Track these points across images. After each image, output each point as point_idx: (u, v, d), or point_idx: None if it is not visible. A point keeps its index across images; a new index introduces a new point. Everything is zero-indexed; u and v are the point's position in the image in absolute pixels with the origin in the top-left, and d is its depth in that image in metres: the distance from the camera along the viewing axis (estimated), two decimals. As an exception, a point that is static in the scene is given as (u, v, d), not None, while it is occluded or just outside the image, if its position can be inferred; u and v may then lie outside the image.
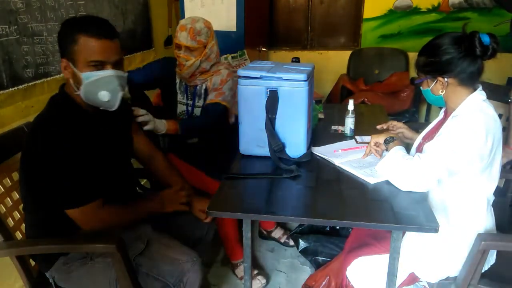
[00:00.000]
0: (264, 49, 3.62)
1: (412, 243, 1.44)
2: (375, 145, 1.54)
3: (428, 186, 1.34)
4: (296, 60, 2.79)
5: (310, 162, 1.60)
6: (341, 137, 1.91)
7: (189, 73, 2.02)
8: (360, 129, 1.94)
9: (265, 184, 1.44)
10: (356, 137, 1.87)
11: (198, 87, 2.10)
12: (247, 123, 1.59)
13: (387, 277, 1.28)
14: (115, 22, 2.63)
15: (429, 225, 1.17)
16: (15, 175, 1.47)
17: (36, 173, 1.29)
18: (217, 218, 1.90)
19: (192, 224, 1.62)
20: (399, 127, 1.76)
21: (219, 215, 1.33)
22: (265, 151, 1.58)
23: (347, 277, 1.56)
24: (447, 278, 1.44)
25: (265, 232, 2.45)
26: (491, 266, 1.43)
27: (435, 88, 1.40)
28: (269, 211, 1.29)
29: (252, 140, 1.60)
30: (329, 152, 1.67)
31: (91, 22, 1.28)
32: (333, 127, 2.04)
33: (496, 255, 1.44)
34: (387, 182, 1.39)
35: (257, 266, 2.20)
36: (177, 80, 2.13)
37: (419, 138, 1.58)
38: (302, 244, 2.25)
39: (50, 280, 1.42)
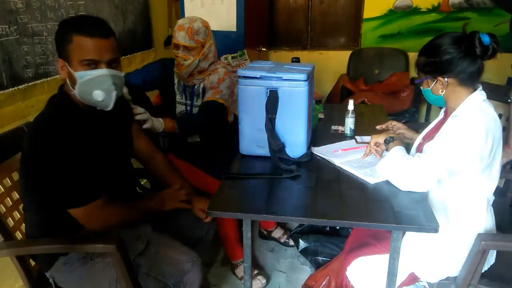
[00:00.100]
0: (264, 49, 3.62)
1: (412, 243, 1.44)
2: (375, 145, 1.54)
3: (428, 186, 1.34)
4: (296, 60, 2.79)
5: (310, 162, 1.60)
6: (341, 137, 1.91)
7: (188, 73, 2.02)
8: (360, 129, 1.94)
9: (265, 184, 1.44)
10: (356, 137, 1.87)
11: (196, 87, 2.10)
12: (247, 123, 1.59)
13: (387, 277, 1.28)
14: (115, 22, 2.63)
15: (429, 225, 1.17)
16: (15, 175, 1.47)
17: (37, 174, 1.29)
18: (217, 218, 1.90)
19: (192, 224, 1.62)
20: (398, 128, 1.76)
21: (219, 215, 1.33)
22: (265, 151, 1.58)
23: (347, 277, 1.56)
24: (447, 278, 1.44)
25: (265, 232, 2.45)
26: (491, 266, 1.43)
27: (435, 88, 1.40)
28: (269, 211, 1.29)
29: (252, 140, 1.60)
30: (329, 152, 1.67)
31: (85, 21, 1.28)
32: (333, 127, 2.04)
33: (496, 255, 1.44)
34: (387, 182, 1.39)
35: (257, 266, 2.20)
36: (175, 81, 2.13)
37: (419, 138, 1.58)
38: (302, 244, 2.25)
39: (50, 280, 1.42)
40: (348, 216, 1.24)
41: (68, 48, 1.24)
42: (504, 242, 1.32)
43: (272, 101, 1.53)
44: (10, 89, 1.78)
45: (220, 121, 2.15)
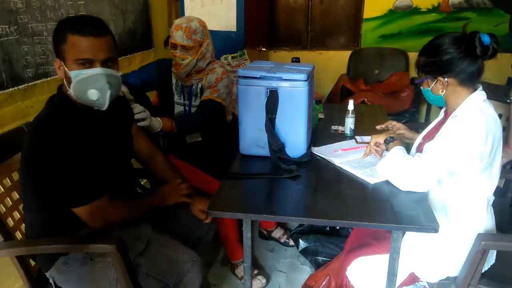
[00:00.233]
0: (264, 49, 3.62)
1: (412, 243, 1.44)
2: (375, 145, 1.54)
3: (428, 186, 1.34)
4: (296, 60, 2.79)
5: (310, 162, 1.60)
6: (341, 137, 1.91)
7: (186, 72, 2.02)
8: (360, 129, 1.94)
9: (265, 184, 1.44)
10: (356, 137, 1.87)
11: (194, 87, 2.10)
12: (247, 123, 1.59)
13: (387, 277, 1.28)
14: (115, 22, 2.63)
15: (429, 225, 1.17)
16: (15, 175, 1.47)
17: (37, 174, 1.29)
18: (217, 218, 1.90)
19: (192, 224, 1.62)
20: (398, 128, 1.76)
21: (219, 215, 1.33)
22: (265, 151, 1.58)
23: (347, 277, 1.56)
24: (447, 278, 1.44)
25: (265, 232, 2.45)
26: (491, 266, 1.43)
27: (435, 88, 1.40)
28: (269, 211, 1.29)
29: (252, 140, 1.60)
30: (329, 152, 1.67)
31: (81, 20, 1.28)
32: (333, 127, 2.04)
33: (496, 255, 1.44)
34: (387, 182, 1.39)
35: (257, 266, 2.20)
36: (173, 81, 2.13)
37: (419, 138, 1.58)
38: (302, 244, 2.25)
39: (50, 280, 1.42)
40: (348, 216, 1.24)
41: (63, 47, 1.24)
42: (504, 242, 1.32)
43: (272, 101, 1.53)
44: (10, 89, 1.79)
45: (219, 120, 2.15)
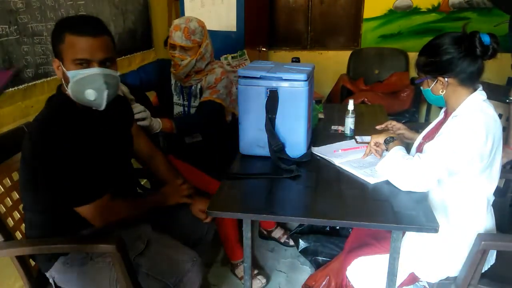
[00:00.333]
0: (264, 49, 3.62)
1: (412, 243, 1.44)
2: (375, 145, 1.54)
3: (428, 186, 1.34)
4: (296, 60, 2.78)
5: (310, 162, 1.60)
6: (341, 137, 1.91)
7: (185, 73, 2.02)
8: (360, 129, 1.94)
9: (265, 184, 1.44)
10: (356, 137, 1.87)
11: (193, 87, 2.10)
12: (247, 123, 1.59)
13: (387, 277, 1.28)
14: (115, 22, 2.63)
15: (429, 225, 1.17)
16: (15, 175, 1.47)
17: (38, 174, 1.29)
18: (217, 218, 1.90)
19: (192, 224, 1.62)
20: (398, 128, 1.76)
21: (219, 215, 1.33)
22: (265, 151, 1.58)
23: (347, 277, 1.56)
24: (447, 278, 1.44)
25: (265, 232, 2.45)
26: (491, 266, 1.43)
27: (436, 88, 1.40)
28: (269, 211, 1.29)
29: (252, 140, 1.60)
30: (329, 152, 1.67)
31: (78, 20, 1.28)
32: (333, 127, 2.04)
33: (496, 255, 1.44)
34: (387, 182, 1.39)
35: (257, 266, 2.20)
36: (172, 81, 2.13)
37: (419, 138, 1.58)
38: (302, 244, 2.25)
39: (50, 280, 1.42)
40: (348, 216, 1.24)
41: (61, 47, 1.24)
42: (504, 242, 1.32)
43: (272, 101, 1.53)
44: (10, 89, 1.78)
45: (218, 121, 2.15)
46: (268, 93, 1.53)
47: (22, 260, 1.38)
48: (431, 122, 1.60)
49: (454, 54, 1.32)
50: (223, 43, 2.85)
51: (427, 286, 1.61)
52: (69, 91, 1.27)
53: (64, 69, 1.26)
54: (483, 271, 1.36)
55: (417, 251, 1.43)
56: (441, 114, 1.54)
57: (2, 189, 1.45)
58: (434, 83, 1.39)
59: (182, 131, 2.05)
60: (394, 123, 1.79)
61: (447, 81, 1.36)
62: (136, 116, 1.74)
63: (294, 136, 1.57)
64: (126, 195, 1.48)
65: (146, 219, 1.53)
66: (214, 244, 1.98)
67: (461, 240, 1.38)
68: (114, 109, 1.41)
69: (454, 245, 1.39)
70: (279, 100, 1.53)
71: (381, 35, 3.86)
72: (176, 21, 2.01)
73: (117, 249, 1.23)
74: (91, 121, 1.36)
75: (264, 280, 2.09)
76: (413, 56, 3.04)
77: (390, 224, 1.19)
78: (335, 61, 3.94)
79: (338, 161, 1.58)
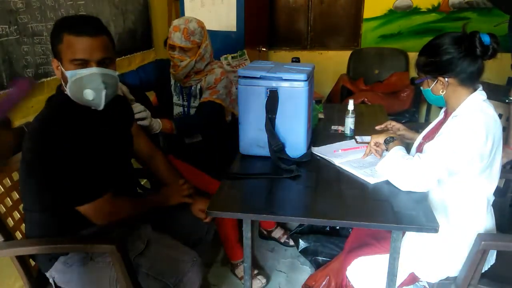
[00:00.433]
0: (264, 49, 3.62)
1: (412, 243, 1.44)
2: (375, 145, 1.54)
3: (428, 186, 1.34)
4: (296, 60, 2.78)
5: (310, 162, 1.60)
6: (341, 137, 1.91)
7: (184, 74, 2.02)
8: (360, 129, 1.94)
9: (265, 184, 1.44)
10: (356, 137, 1.87)
11: (193, 88, 2.10)
12: (247, 123, 1.59)
13: (387, 277, 1.28)
14: (115, 22, 2.63)
15: (429, 225, 1.17)
16: (15, 175, 1.47)
17: (38, 174, 1.29)
18: (217, 218, 1.90)
19: (192, 224, 1.62)
20: (398, 128, 1.76)
21: (219, 215, 1.33)
22: (265, 151, 1.58)
23: (347, 277, 1.56)
24: (447, 278, 1.44)
25: (265, 232, 2.44)
26: (491, 266, 1.43)
27: (436, 88, 1.40)
28: (269, 211, 1.29)
29: (252, 140, 1.60)
30: (329, 152, 1.67)
31: (76, 20, 1.28)
32: (333, 127, 2.04)
33: (496, 255, 1.44)
34: (387, 182, 1.39)
35: (257, 266, 2.20)
36: (172, 82, 2.12)
37: (419, 138, 1.58)
38: (302, 244, 2.25)
39: (50, 280, 1.42)
40: (348, 216, 1.24)
41: (59, 47, 1.25)
42: (504, 242, 1.32)
43: (272, 101, 1.53)
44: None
45: (218, 121, 2.15)
46: (268, 93, 1.53)
47: (22, 260, 1.38)
48: (431, 122, 1.60)
49: (454, 54, 1.32)
50: (223, 43, 2.85)
51: (427, 286, 1.61)
52: (68, 91, 1.27)
53: (63, 69, 1.26)
54: (483, 271, 1.36)
55: (417, 251, 1.43)
56: (441, 114, 1.54)
57: (2, 189, 1.45)
58: (434, 83, 1.39)
59: (182, 132, 2.05)
60: (393, 123, 1.79)
61: (447, 81, 1.36)
62: (136, 116, 1.74)
63: (294, 136, 1.57)
64: (126, 195, 1.48)
65: (146, 219, 1.54)
66: (214, 244, 1.98)
67: (461, 240, 1.38)
68: (114, 109, 1.41)
69: (454, 245, 1.39)
70: (279, 100, 1.53)
71: (381, 35, 3.86)
72: (175, 22, 2.01)
73: (117, 249, 1.23)
74: (91, 121, 1.36)
75: (264, 280, 2.08)
76: (413, 56, 3.04)
77: (390, 224, 1.19)
78: (335, 61, 3.94)
79: (338, 161, 1.58)
